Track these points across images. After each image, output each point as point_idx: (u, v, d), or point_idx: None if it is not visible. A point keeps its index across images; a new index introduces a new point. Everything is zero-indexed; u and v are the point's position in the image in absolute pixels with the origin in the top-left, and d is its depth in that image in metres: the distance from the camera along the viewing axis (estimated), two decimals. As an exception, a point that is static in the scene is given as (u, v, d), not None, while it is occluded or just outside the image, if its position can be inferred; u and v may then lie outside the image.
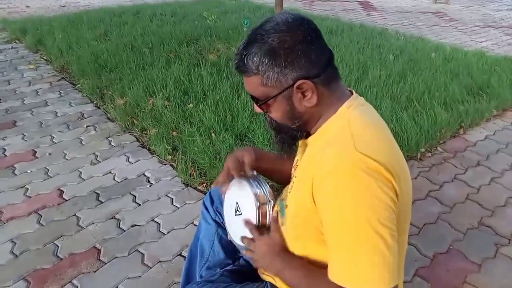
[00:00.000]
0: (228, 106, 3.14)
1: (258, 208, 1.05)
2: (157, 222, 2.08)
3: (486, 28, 6.35)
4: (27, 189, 2.34)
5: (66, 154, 2.71)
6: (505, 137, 3.01)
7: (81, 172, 2.50)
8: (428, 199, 2.29)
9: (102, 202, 2.24)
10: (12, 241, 1.95)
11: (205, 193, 2.28)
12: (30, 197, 2.28)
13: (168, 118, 2.99)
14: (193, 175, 2.42)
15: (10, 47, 5.10)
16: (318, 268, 0.92)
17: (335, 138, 0.85)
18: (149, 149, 2.78)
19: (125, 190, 2.33)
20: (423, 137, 2.79)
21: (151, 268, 1.80)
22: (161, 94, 3.35)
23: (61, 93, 3.71)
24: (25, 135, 2.95)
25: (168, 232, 2.02)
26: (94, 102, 3.51)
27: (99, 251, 1.89)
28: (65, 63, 4.32)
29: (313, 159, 0.88)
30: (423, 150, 2.75)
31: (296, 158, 1.08)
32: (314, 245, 0.92)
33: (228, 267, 1.24)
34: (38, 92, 3.73)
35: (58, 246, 1.92)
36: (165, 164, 2.60)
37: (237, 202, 1.14)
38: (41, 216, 2.12)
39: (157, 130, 2.86)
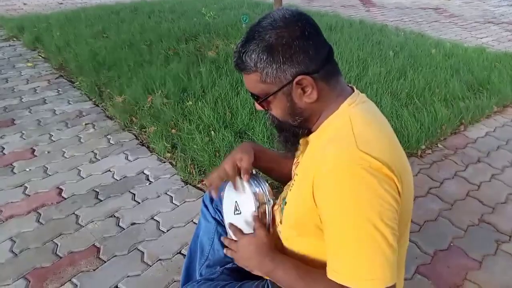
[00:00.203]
0: (227, 103, 3.12)
1: (258, 207, 1.05)
2: (157, 220, 2.08)
3: (486, 24, 6.33)
4: (26, 187, 2.34)
5: (64, 152, 2.70)
6: (506, 134, 3.00)
7: (80, 170, 2.49)
8: (428, 196, 2.29)
9: (101, 201, 2.23)
10: (12, 240, 1.94)
11: (204, 191, 2.27)
12: (29, 195, 2.27)
13: (167, 116, 2.97)
14: (192, 173, 2.41)
15: (7, 45, 5.08)
16: (314, 267, 0.91)
17: (336, 136, 0.85)
18: (148, 147, 2.77)
19: (124, 188, 2.33)
20: (424, 134, 2.78)
21: (150, 266, 1.79)
22: (160, 91, 3.33)
23: (59, 91, 3.70)
24: (23, 133, 2.94)
25: (167, 230, 2.01)
26: (93, 100, 3.49)
27: (98, 249, 1.89)
28: (63, 61, 4.30)
29: (315, 156, 0.88)
30: (423, 147, 2.74)
31: (297, 156, 1.07)
32: (315, 243, 0.91)
33: (228, 265, 1.23)
34: (36, 90, 3.71)
35: (57, 245, 1.91)
36: (164, 162, 2.59)
37: (236, 201, 1.13)
38: (40, 215, 2.11)
39: (156, 128, 2.85)
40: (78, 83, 3.80)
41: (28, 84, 3.85)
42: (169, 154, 2.63)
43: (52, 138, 2.88)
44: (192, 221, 2.07)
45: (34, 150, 2.72)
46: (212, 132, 2.75)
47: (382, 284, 0.75)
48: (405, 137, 2.72)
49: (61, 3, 7.61)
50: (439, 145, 2.82)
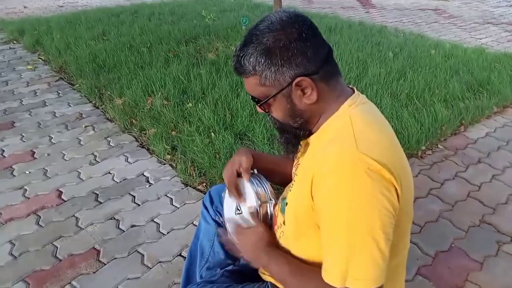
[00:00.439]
0: (227, 105, 3.12)
1: (259, 206, 1.05)
2: (157, 222, 2.07)
3: (485, 25, 6.34)
4: (26, 190, 2.33)
5: (64, 154, 2.69)
6: (506, 134, 3.00)
7: (79, 173, 2.49)
8: (429, 197, 2.28)
9: (101, 203, 2.22)
10: (11, 242, 1.94)
11: (204, 193, 2.26)
12: (28, 198, 2.27)
13: (167, 118, 2.97)
14: (192, 174, 2.41)
15: (8, 48, 5.09)
16: (309, 266, 0.92)
17: (337, 137, 0.85)
18: (148, 149, 2.76)
19: (124, 191, 2.32)
20: (424, 135, 2.78)
21: (151, 268, 1.79)
22: (160, 93, 3.33)
23: (59, 93, 3.70)
24: (23, 136, 2.94)
25: (167, 232, 2.00)
26: (93, 102, 3.49)
27: (98, 252, 1.88)
28: (63, 63, 4.31)
29: (315, 157, 0.88)
30: (423, 147, 2.74)
31: (297, 157, 1.07)
32: (315, 243, 0.91)
33: (229, 268, 1.23)
34: (36, 92, 3.71)
35: (57, 247, 1.91)
36: (164, 164, 2.58)
37: (237, 201, 1.13)
38: (40, 217, 2.11)
39: (156, 130, 2.85)
40: (78, 85, 3.80)
41: (28, 86, 3.85)
42: (169, 156, 2.62)
43: (52, 140, 2.88)
44: (192, 223, 2.06)
45: (34, 153, 2.72)
46: (212, 134, 2.75)
47: (370, 284, 0.77)
48: (405, 138, 2.72)
49: (62, 6, 7.62)
50: (439, 145, 2.82)
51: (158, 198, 2.26)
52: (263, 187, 1.08)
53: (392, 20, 6.61)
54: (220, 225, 1.31)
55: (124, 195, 2.29)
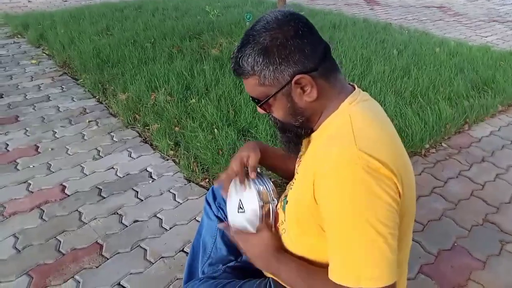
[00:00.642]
0: (230, 101, 3.12)
1: (261, 207, 1.05)
2: (159, 218, 2.08)
3: (491, 23, 6.29)
4: (30, 184, 2.34)
5: (68, 149, 2.70)
6: (510, 133, 2.98)
7: (83, 167, 2.50)
8: (432, 196, 2.27)
9: (104, 198, 2.23)
10: (15, 236, 1.95)
11: (207, 189, 2.27)
12: (32, 192, 2.28)
13: (170, 113, 2.97)
14: (195, 170, 2.41)
15: (12, 42, 5.10)
16: (317, 267, 0.92)
17: (337, 135, 0.85)
18: (151, 145, 2.77)
19: (127, 186, 2.33)
20: (428, 133, 2.77)
21: (153, 264, 1.79)
22: (163, 89, 3.33)
23: (63, 88, 3.71)
24: (27, 130, 2.95)
25: (170, 228, 2.01)
26: (96, 97, 3.50)
27: (101, 246, 1.89)
28: (67, 58, 4.31)
29: (316, 156, 0.88)
30: (427, 146, 2.73)
31: (299, 154, 1.07)
32: (317, 241, 0.91)
33: (231, 264, 1.24)
34: (40, 87, 3.72)
35: (60, 241, 1.92)
36: (167, 160, 2.59)
37: (240, 200, 1.13)
38: (44, 211, 2.12)
39: (159, 125, 2.85)
40: (82, 80, 3.81)
41: (32, 81, 3.86)
42: (172, 152, 2.63)
43: (56, 135, 2.89)
44: (194, 219, 2.06)
45: (37, 147, 2.73)
46: (215, 130, 2.75)
47: (381, 283, 0.75)
48: (409, 136, 2.71)
49: (66, 1, 7.62)
50: (443, 144, 2.81)
51: (161, 194, 2.26)
52: (266, 187, 1.08)
53: (396, 18, 6.57)
54: (222, 221, 1.31)
55: (127, 190, 2.29)
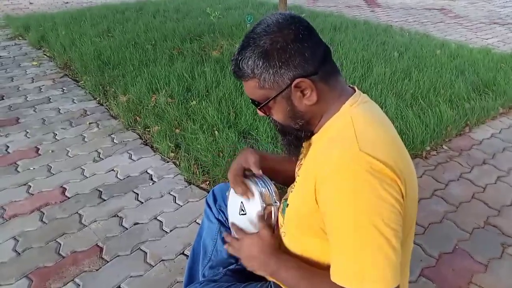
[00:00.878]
0: (231, 103, 3.12)
1: (264, 208, 1.04)
2: (160, 220, 2.07)
3: (492, 25, 6.29)
4: (30, 186, 2.34)
5: (68, 151, 2.70)
6: (511, 135, 2.97)
7: (83, 170, 2.49)
8: (433, 198, 2.27)
9: (105, 200, 2.23)
10: (15, 239, 1.95)
11: (208, 191, 2.27)
12: (32, 194, 2.27)
13: (171, 115, 2.97)
14: (196, 172, 2.41)
15: (13, 44, 5.10)
16: (317, 269, 0.91)
17: (338, 137, 0.84)
18: (151, 147, 2.77)
19: (127, 188, 2.32)
20: (428, 135, 2.76)
21: (153, 266, 1.79)
22: (164, 91, 3.33)
23: (64, 89, 3.71)
24: (28, 132, 2.95)
25: (170, 231, 2.00)
26: (97, 99, 3.50)
27: (101, 249, 1.89)
28: (68, 60, 4.31)
29: (317, 158, 0.87)
30: (428, 148, 2.72)
31: (300, 157, 1.06)
32: (318, 244, 0.91)
33: (231, 267, 1.23)
34: (41, 88, 3.72)
35: (60, 244, 1.91)
36: (167, 162, 2.58)
37: (241, 202, 1.13)
38: (44, 214, 2.12)
39: (160, 127, 2.85)
40: (82, 82, 3.81)
41: (33, 83, 3.86)
42: (172, 154, 2.62)
43: (56, 137, 2.89)
44: (195, 221, 2.06)
45: (38, 149, 2.72)
46: (216, 132, 2.74)
47: (384, 286, 0.75)
48: (410, 138, 2.70)
49: (67, 2, 7.63)
50: (444, 146, 2.80)
51: (162, 196, 2.26)
52: (268, 189, 1.07)
53: (397, 20, 6.58)
54: (223, 224, 1.31)
55: (128, 192, 2.29)
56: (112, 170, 2.50)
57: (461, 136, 2.95)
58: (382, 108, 0.97)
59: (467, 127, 3.04)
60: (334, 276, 0.80)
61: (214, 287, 1.12)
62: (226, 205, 1.26)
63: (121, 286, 1.69)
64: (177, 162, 2.56)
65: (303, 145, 1.02)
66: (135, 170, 2.49)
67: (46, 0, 7.84)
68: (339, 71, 0.92)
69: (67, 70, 4.18)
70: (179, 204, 2.20)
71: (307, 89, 0.86)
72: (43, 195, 2.26)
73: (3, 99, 3.50)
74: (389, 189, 0.76)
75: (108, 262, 1.81)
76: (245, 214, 1.10)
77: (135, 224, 2.05)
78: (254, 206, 1.06)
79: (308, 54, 0.84)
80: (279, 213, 1.06)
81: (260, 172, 1.10)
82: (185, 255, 1.84)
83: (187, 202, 2.21)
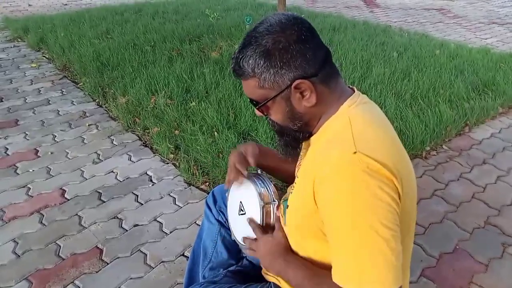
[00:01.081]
0: (231, 104, 3.12)
1: (262, 207, 1.04)
2: (160, 222, 2.07)
3: (491, 25, 6.30)
4: (29, 188, 2.33)
5: (68, 153, 2.70)
6: (511, 135, 2.97)
7: (83, 171, 2.49)
8: (433, 198, 2.27)
9: (104, 202, 2.22)
10: (14, 241, 1.94)
11: (207, 192, 2.26)
12: (32, 196, 2.27)
13: (170, 117, 2.97)
14: (195, 174, 2.40)
15: (12, 46, 5.10)
16: (321, 269, 0.91)
17: (336, 138, 0.84)
18: (151, 148, 2.76)
19: (127, 190, 2.32)
20: (428, 135, 2.76)
21: (153, 268, 1.78)
22: (163, 92, 3.33)
23: (63, 91, 3.70)
24: (27, 134, 2.94)
25: (170, 232, 2.00)
26: (96, 101, 3.50)
27: (101, 251, 1.88)
28: (67, 62, 4.31)
29: (315, 159, 0.87)
30: (428, 148, 2.72)
31: (299, 158, 1.06)
32: (317, 245, 0.91)
33: (232, 268, 1.23)
34: (40, 90, 3.72)
35: (60, 246, 1.91)
36: (167, 163, 2.58)
37: (241, 201, 1.13)
38: (43, 216, 2.11)
39: (159, 129, 2.84)
40: (81, 83, 3.81)
41: (32, 84, 3.86)
42: (172, 155, 2.62)
43: (56, 139, 2.88)
44: (195, 222, 2.06)
45: (37, 151, 2.72)
46: (216, 133, 2.74)
47: (384, 287, 0.74)
48: (409, 138, 2.70)
49: (66, 4, 7.63)
50: (443, 146, 2.80)
51: (161, 198, 2.26)
52: (267, 188, 1.07)
53: (396, 20, 6.58)
54: (223, 225, 1.31)
55: (127, 194, 2.29)
56: (112, 171, 2.49)
57: (461, 136, 2.95)
58: (381, 109, 0.96)
59: (467, 127, 3.04)
60: (335, 276, 0.80)
61: (214, 288, 1.11)
62: (226, 206, 1.26)
63: (121, 288, 1.69)
64: (177, 164, 2.56)
65: (302, 146, 1.02)
66: (134, 171, 2.49)
67: (45, 2, 7.84)
68: (339, 73, 0.92)
69: (66, 72, 4.17)
70: (179, 206, 2.19)
71: (307, 90, 0.86)
72: (43, 197, 2.26)
73: (2, 101, 3.49)
74: (386, 189, 0.76)
75: (108, 264, 1.81)
76: (244, 214, 1.10)
77: (135, 225, 2.04)
78: (253, 206, 1.06)
79: (309, 56, 0.84)
80: (281, 214, 1.05)
81: (252, 162, 1.11)
82: (185, 256, 1.84)
83: (187, 204, 2.21)
